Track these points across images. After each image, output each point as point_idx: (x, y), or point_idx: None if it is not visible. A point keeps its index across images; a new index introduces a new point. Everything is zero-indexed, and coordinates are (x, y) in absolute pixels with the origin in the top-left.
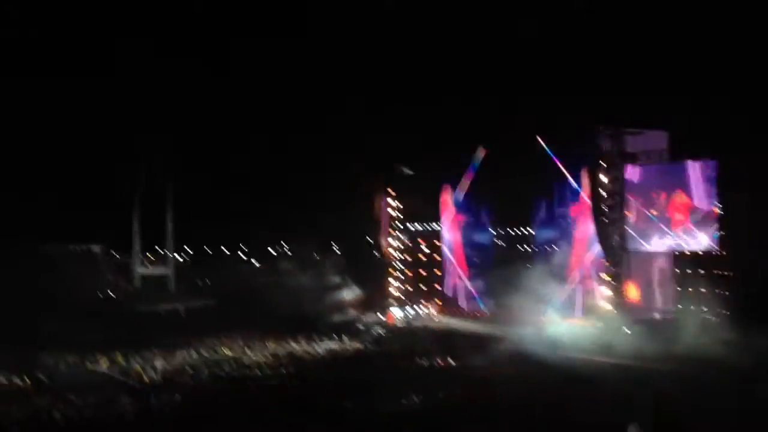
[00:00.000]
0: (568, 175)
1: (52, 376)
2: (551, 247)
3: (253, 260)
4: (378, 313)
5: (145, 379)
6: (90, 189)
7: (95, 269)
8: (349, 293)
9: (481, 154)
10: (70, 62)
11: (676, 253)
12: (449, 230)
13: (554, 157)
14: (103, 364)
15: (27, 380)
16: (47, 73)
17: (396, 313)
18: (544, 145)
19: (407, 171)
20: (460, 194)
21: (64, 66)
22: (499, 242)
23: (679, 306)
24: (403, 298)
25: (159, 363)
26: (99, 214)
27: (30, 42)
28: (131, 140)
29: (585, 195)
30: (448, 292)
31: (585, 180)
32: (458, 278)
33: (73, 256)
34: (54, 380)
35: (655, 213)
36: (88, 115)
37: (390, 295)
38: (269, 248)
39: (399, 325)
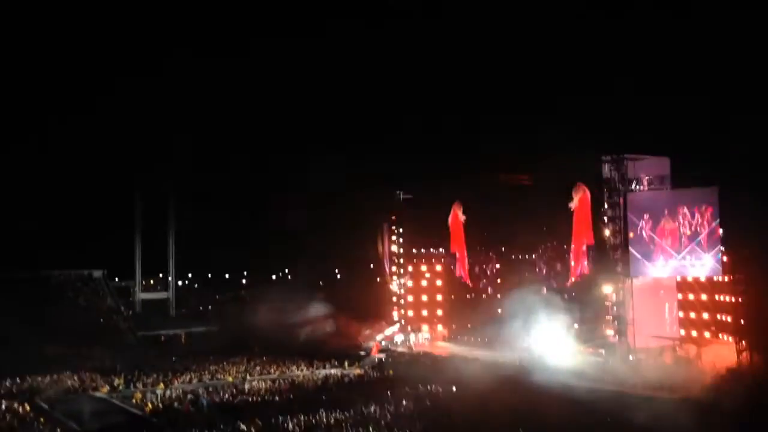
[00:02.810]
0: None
1: (53, 403)
2: (548, 273)
3: (253, 286)
4: (378, 339)
5: (147, 405)
6: (91, 215)
7: (96, 294)
8: (350, 319)
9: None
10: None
11: (678, 278)
12: (456, 253)
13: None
14: (103, 390)
15: (27, 407)
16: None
17: (397, 338)
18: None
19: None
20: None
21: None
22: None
23: (682, 332)
24: (404, 323)
25: (159, 389)
26: (100, 240)
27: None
28: (134, 166)
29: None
30: (450, 318)
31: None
32: (460, 302)
33: (74, 281)
34: (55, 407)
35: (657, 238)
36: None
37: (392, 320)
38: (272, 275)
39: (400, 350)
